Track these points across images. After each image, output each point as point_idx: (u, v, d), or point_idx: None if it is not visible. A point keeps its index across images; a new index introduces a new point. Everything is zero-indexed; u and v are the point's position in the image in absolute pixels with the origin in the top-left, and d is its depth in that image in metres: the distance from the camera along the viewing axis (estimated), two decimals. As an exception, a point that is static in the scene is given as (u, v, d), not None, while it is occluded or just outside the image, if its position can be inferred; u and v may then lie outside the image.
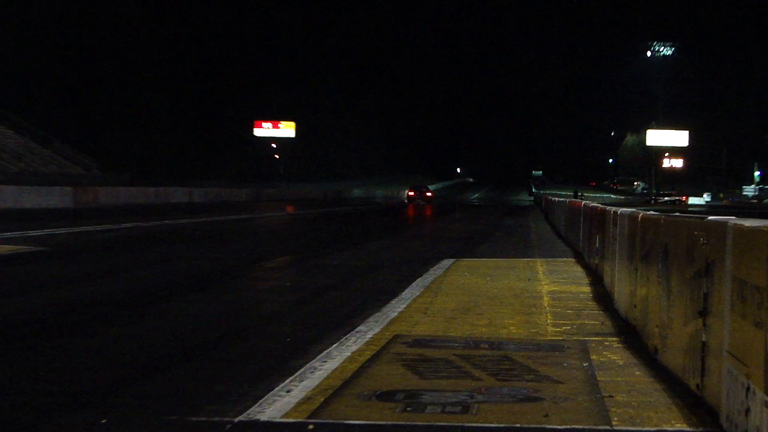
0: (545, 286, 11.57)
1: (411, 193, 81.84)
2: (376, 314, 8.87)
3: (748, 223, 4.48)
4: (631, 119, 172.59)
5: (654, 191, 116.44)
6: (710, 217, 5.11)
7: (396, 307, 9.41)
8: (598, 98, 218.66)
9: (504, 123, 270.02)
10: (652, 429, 4.84)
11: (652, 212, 7.42)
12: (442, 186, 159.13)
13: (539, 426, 4.87)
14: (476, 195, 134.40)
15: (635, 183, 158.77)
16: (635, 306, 7.59)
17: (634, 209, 8.74)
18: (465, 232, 26.80)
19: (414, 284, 11.74)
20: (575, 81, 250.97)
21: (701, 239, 5.14)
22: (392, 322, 8.32)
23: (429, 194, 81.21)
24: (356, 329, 7.91)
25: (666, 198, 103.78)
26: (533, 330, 7.95)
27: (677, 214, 6.43)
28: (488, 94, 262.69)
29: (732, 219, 4.82)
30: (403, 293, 10.67)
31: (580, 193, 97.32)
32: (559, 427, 4.87)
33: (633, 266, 7.80)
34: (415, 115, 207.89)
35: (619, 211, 9.33)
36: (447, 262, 15.06)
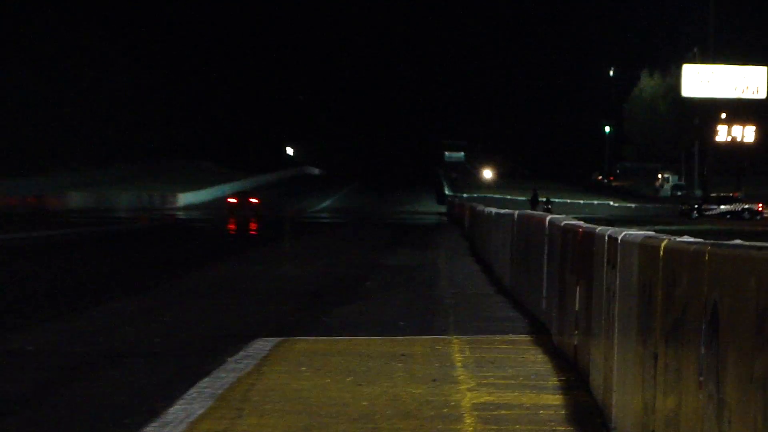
0: (468, 395, 9.49)
1: (232, 201, 79.67)
2: None
3: None
4: (651, 47, 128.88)
5: (698, 193, 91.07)
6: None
7: None
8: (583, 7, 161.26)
9: (377, 61, 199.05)
10: None
11: (687, 238, 6.34)
12: (255, 185, 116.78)
13: None
14: (328, 202, 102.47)
15: (661, 176, 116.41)
16: None
17: (649, 231, 7.51)
18: (305, 280, 22.47)
19: (194, 391, 9.53)
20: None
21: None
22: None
23: (254, 201, 79.68)
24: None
25: (723, 207, 74.81)
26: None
27: (738, 242, 5.24)
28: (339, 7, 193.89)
29: None
30: (170, 411, 8.69)
31: (544, 199, 75.94)
32: None
33: (649, 351, 6.67)
34: (201, 57, 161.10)
35: (620, 237, 7.91)
36: (264, 345, 12.50)
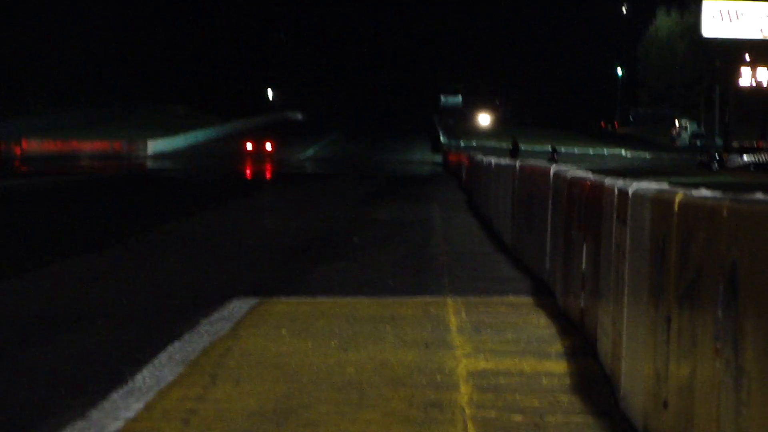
0: (464, 362, 9.31)
1: (249, 146, 79.85)
2: (77, 425, 7.20)
3: None
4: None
5: (718, 142, 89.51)
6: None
7: (122, 409, 7.63)
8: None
9: None
10: None
11: (704, 192, 6.16)
12: (231, 131, 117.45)
13: None
14: (312, 150, 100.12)
15: (678, 123, 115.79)
16: (665, 404, 6.41)
17: (663, 185, 7.35)
18: (286, 235, 22.22)
19: (164, 356, 9.43)
20: None
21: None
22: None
23: (269, 147, 79.81)
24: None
25: (746, 157, 73.89)
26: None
27: (760, 197, 5.25)
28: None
29: None
30: (139, 377, 8.63)
31: (553, 149, 75.98)
32: None
33: (660, 314, 6.56)
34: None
35: (631, 190, 7.69)
36: (241, 306, 12.34)
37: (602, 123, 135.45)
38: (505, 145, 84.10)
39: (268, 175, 55.13)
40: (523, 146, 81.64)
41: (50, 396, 8.24)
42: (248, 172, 57.74)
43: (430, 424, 7.32)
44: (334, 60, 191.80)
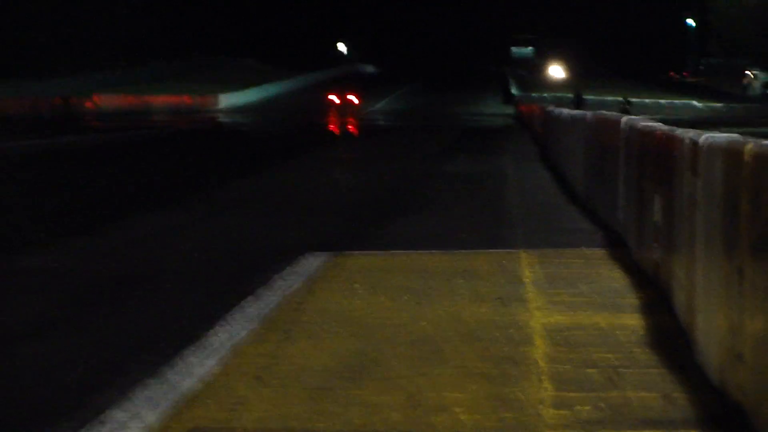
0: (538, 315, 9.27)
1: (333, 99, 78.79)
2: (151, 383, 7.23)
3: None
4: None
5: None
6: None
7: (196, 366, 7.65)
8: None
9: None
10: None
11: None
12: (303, 83, 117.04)
13: None
14: (383, 103, 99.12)
15: (747, 73, 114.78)
16: (741, 357, 6.39)
17: (736, 135, 7.13)
18: (357, 188, 22.50)
19: (237, 312, 9.42)
20: None
21: None
22: (187, 400, 6.80)
23: (354, 100, 78.72)
24: (106, 419, 6.48)
25: None
26: (509, 420, 6.54)
27: None
28: None
29: None
30: (211, 334, 8.63)
31: (625, 100, 75.11)
32: None
33: (734, 267, 6.51)
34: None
35: (702, 141, 7.54)
36: (314, 261, 12.30)
37: (671, 73, 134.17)
38: (584, 95, 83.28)
39: (352, 129, 54.83)
40: (594, 97, 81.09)
41: (123, 354, 8.32)
42: (332, 125, 57.39)
43: (505, 379, 7.27)
44: (405, 13, 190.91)
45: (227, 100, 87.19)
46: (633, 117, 13.78)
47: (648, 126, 11.37)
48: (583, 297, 10.13)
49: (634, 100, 78.23)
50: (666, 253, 9.68)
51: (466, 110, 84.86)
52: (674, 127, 10.03)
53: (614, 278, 11.06)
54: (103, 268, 12.34)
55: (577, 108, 60.83)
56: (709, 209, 7.41)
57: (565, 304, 9.74)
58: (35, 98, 76.33)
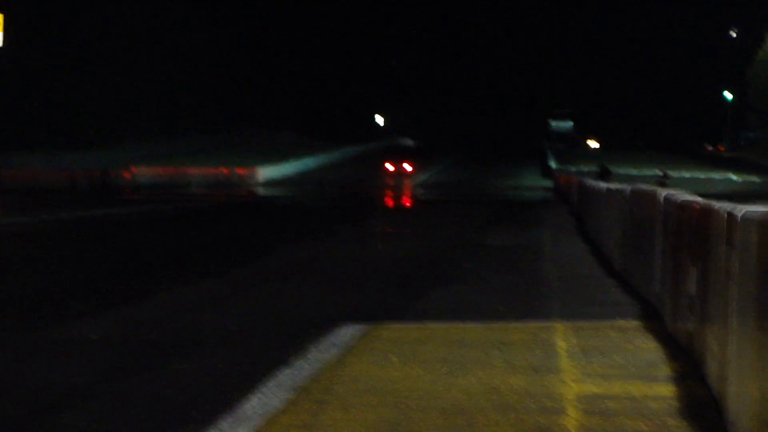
0: (572, 386, 9.48)
1: (388, 166, 78.81)
2: None
3: None
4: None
5: None
6: None
7: None
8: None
9: (477, 21, 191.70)
10: None
11: None
12: (341, 156, 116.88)
13: None
14: (425, 177, 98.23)
15: None
16: None
17: None
18: (396, 260, 22.56)
19: (272, 382, 9.61)
20: None
21: None
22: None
23: (409, 168, 78.57)
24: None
25: None
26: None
27: None
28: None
29: None
30: (246, 404, 8.79)
31: (663, 174, 76.49)
32: None
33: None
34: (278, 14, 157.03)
35: (739, 214, 7.73)
36: (350, 332, 12.53)
37: (707, 147, 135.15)
38: (621, 170, 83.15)
39: (405, 201, 55.24)
40: (634, 171, 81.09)
41: (159, 423, 8.35)
42: (387, 198, 57.86)
43: (538, 449, 7.24)
44: (443, 86, 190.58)
45: (265, 172, 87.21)
46: (670, 191, 13.87)
47: (686, 199, 11.42)
48: (618, 368, 10.22)
49: (672, 173, 78.12)
50: (700, 324, 9.71)
51: (505, 183, 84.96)
52: (711, 201, 10.10)
53: (648, 349, 11.16)
54: (142, 337, 12.45)
55: (601, 179, 60.94)
56: (743, 280, 7.45)
57: (599, 375, 9.82)
58: (72, 170, 76.42)
